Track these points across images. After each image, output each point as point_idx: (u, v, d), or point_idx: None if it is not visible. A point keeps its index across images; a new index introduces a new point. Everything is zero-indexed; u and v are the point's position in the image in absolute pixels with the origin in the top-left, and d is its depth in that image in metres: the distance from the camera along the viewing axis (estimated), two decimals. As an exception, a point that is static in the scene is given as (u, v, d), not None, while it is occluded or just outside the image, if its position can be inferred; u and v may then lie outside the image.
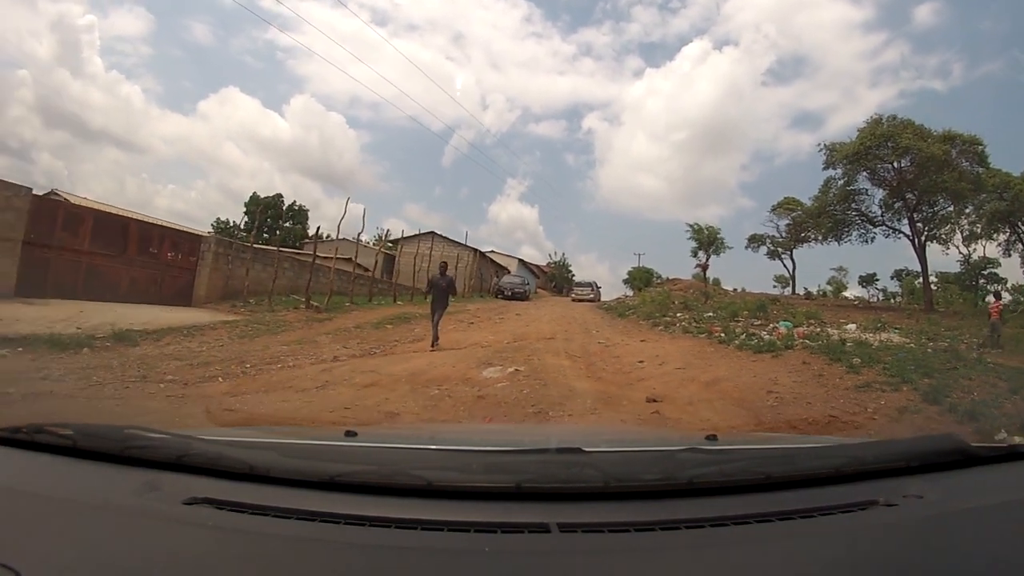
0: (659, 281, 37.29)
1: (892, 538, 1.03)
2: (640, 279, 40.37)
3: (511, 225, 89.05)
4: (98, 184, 74.64)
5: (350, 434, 1.55)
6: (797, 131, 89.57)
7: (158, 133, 79.26)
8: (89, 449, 1.22)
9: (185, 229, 19.60)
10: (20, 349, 7.92)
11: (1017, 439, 4.31)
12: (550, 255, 58.29)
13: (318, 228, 19.46)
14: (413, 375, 7.65)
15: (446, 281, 11.01)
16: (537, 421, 5.65)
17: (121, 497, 1.08)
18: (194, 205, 79.62)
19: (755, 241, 35.38)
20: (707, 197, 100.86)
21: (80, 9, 69.78)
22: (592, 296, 30.82)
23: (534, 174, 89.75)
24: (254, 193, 44.53)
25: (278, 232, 35.73)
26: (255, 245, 17.56)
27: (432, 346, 10.29)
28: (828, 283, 45.07)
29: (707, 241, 26.03)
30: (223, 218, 48.23)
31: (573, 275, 56.24)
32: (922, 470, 1.29)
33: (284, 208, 43.20)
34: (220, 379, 7.39)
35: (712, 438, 1.66)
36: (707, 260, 26.90)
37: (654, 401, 6.29)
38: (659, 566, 0.93)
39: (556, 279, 53.71)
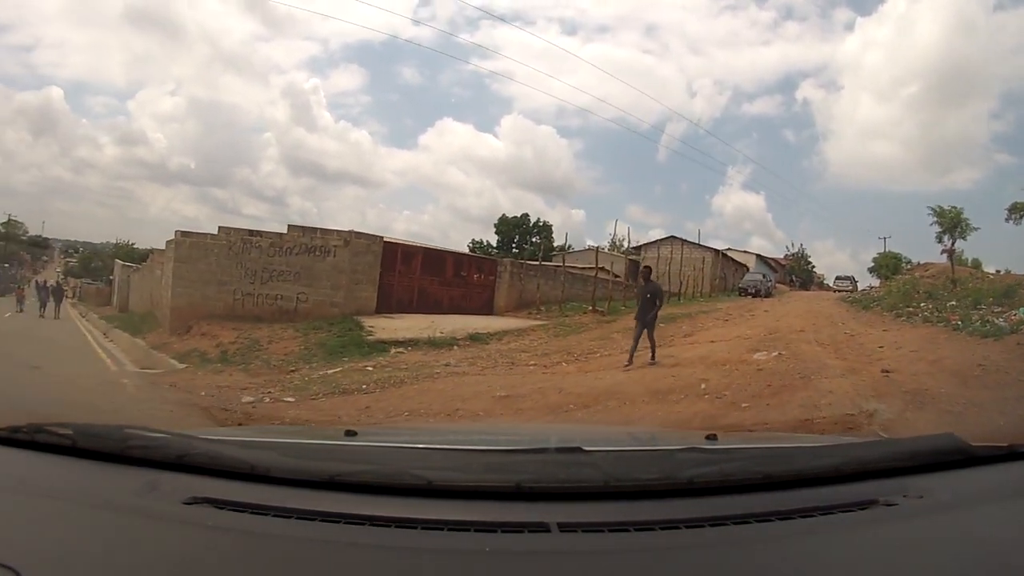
0: (908, 267, 34.71)
1: (892, 538, 1.03)
2: (887, 267, 37.79)
3: (737, 216, 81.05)
4: (343, 217, 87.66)
5: (350, 434, 1.54)
6: (1055, 58, 68.39)
7: (388, 168, 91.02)
8: (89, 449, 1.21)
9: (485, 256, 26.36)
10: (409, 348, 10.60)
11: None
12: (786, 247, 53.64)
13: (598, 247, 23.90)
14: (702, 358, 9.43)
15: (651, 289, 9.53)
16: (803, 382, 7.15)
17: (121, 497, 1.07)
18: (427, 227, 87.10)
19: (1018, 211, 28.12)
20: (954, 158, 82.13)
21: (304, 75, 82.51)
22: (850, 288, 34.95)
23: (754, 159, 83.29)
24: (503, 215, 49.15)
25: (527, 247, 40.87)
26: (543, 263, 22.99)
27: (627, 364, 8.83)
28: (1123, 255, 35.40)
29: (951, 224, 24.26)
30: (476, 238, 53.21)
31: (813, 267, 52.73)
32: (922, 470, 1.29)
33: (530, 225, 47.06)
34: (564, 363, 9.42)
35: (712, 438, 1.64)
36: (952, 245, 24.36)
37: (887, 372, 7.76)
38: (659, 566, 0.95)
39: (795, 272, 49.21)
